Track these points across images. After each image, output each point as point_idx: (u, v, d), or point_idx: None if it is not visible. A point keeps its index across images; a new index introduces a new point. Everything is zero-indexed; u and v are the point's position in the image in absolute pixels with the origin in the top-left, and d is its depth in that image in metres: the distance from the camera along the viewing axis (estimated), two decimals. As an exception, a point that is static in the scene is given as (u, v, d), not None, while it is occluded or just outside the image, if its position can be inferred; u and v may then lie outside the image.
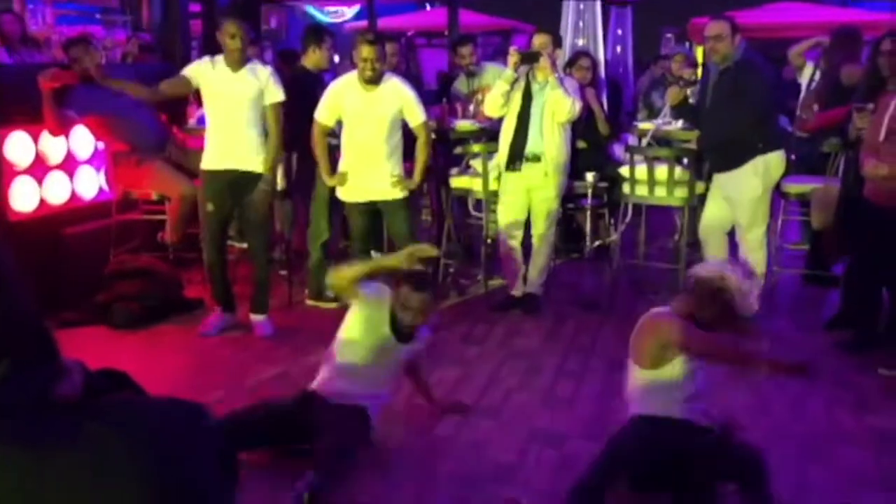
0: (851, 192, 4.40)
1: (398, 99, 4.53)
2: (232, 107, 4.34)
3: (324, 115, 4.61)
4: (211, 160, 4.42)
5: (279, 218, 5.67)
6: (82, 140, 5.15)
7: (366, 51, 4.41)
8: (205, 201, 4.43)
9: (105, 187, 5.33)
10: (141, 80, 4.64)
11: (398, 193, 4.63)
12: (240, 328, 4.63)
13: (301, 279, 5.24)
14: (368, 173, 4.60)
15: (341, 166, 4.70)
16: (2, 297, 0.90)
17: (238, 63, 4.31)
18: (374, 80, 4.46)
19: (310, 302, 5.11)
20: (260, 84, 4.35)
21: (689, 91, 5.20)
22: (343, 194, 4.73)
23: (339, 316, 4.91)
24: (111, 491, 0.86)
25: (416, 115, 4.57)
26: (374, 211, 4.79)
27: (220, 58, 4.35)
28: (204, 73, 4.34)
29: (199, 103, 5.00)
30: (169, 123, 5.61)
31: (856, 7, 15.25)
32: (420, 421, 3.53)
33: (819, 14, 13.05)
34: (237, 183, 4.40)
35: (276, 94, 4.40)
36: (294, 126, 4.66)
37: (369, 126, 4.54)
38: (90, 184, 5.24)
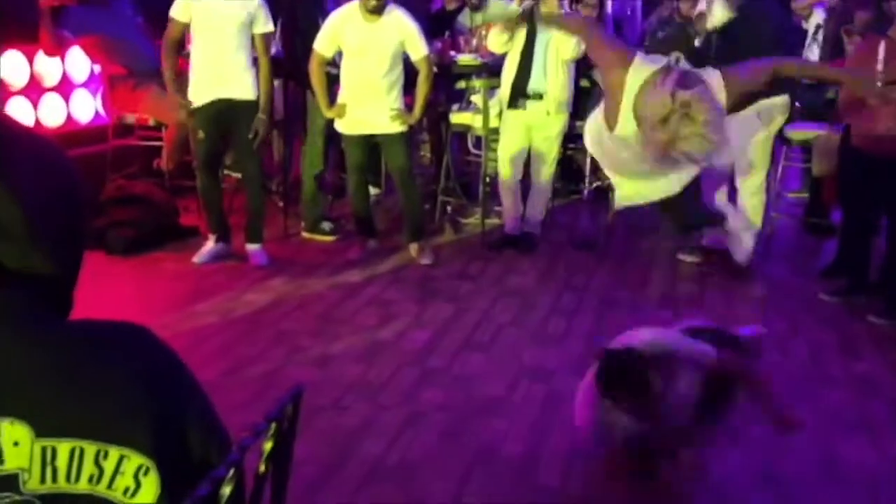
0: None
1: (400, 31, 4.44)
2: (219, 33, 4.25)
3: (323, 45, 4.53)
4: (198, 93, 4.35)
5: (277, 148, 5.63)
6: (78, 62, 5.08)
7: None
8: (195, 129, 4.38)
9: (101, 111, 5.28)
10: (134, 6, 4.53)
11: (397, 127, 4.58)
12: (235, 257, 4.64)
13: (297, 211, 5.23)
14: (368, 106, 4.54)
15: (340, 98, 4.64)
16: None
17: None
18: (377, 10, 4.37)
19: (305, 234, 5.11)
20: (249, 10, 4.27)
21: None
22: (341, 126, 4.68)
23: (332, 248, 4.97)
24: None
25: (419, 49, 4.49)
26: (371, 144, 4.75)
27: None
28: (190, 4, 4.23)
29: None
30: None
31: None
32: (411, 353, 3.57)
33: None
34: (228, 111, 4.34)
35: (265, 23, 4.33)
36: (291, 54, 4.59)
37: (370, 58, 4.46)
38: (86, 107, 5.19)
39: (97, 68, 5.16)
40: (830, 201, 5.13)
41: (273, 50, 4.72)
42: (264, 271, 4.50)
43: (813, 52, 5.77)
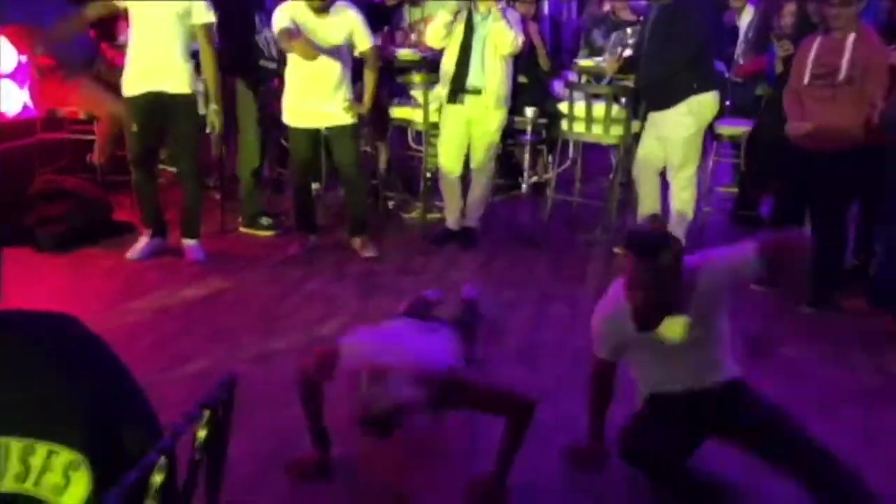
0: (771, 132, 4.51)
1: (348, 24, 4.46)
2: (155, 23, 4.16)
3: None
4: (132, 85, 4.26)
5: (214, 142, 5.54)
6: (4, 52, 4.91)
7: None
8: (129, 121, 4.29)
9: (30, 104, 5.11)
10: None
11: (347, 119, 4.57)
12: (171, 253, 4.55)
13: (235, 206, 5.16)
14: (318, 99, 4.53)
15: (288, 92, 4.60)
16: None
17: None
18: (323, 9, 4.38)
19: (243, 229, 5.04)
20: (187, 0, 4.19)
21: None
22: (289, 119, 4.64)
23: (271, 244, 4.92)
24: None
25: (365, 40, 4.52)
26: (317, 139, 4.72)
27: None
28: None
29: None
30: (97, 40, 5.38)
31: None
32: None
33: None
34: (162, 104, 4.25)
35: (205, 13, 4.25)
36: (228, 47, 4.52)
37: (319, 52, 4.44)
38: (13, 99, 5.02)
39: (24, 59, 5.00)
40: (755, 193, 5.31)
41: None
42: (201, 267, 4.43)
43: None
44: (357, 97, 4.65)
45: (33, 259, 4.37)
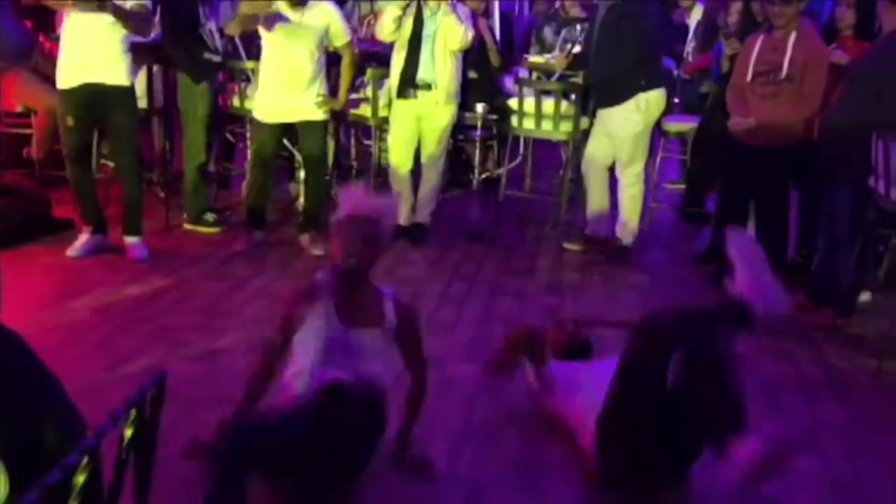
0: (716, 128, 4.59)
1: (326, 18, 4.44)
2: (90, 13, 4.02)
3: (234, 26, 4.47)
4: (65, 77, 4.12)
5: (157, 136, 5.42)
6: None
7: None
8: (64, 115, 4.15)
9: (-38, 97, 4.94)
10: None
11: (319, 114, 4.53)
12: (112, 251, 4.43)
13: (180, 202, 5.04)
14: (292, 94, 4.47)
15: (262, 87, 4.55)
16: None
17: None
18: (300, 2, 4.33)
19: (188, 226, 4.93)
20: None
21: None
22: (259, 114, 4.57)
23: (216, 240, 4.82)
24: None
25: (342, 35, 4.52)
26: (283, 134, 4.69)
27: None
28: None
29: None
30: (35, 31, 5.21)
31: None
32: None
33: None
34: (98, 97, 4.13)
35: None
36: (172, 40, 4.42)
37: (297, 47, 4.39)
38: (-56, 92, 4.84)
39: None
40: (700, 189, 5.39)
41: (153, 34, 4.53)
42: (144, 264, 4.32)
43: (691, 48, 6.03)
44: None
45: (-33, 257, 4.20)
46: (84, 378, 2.93)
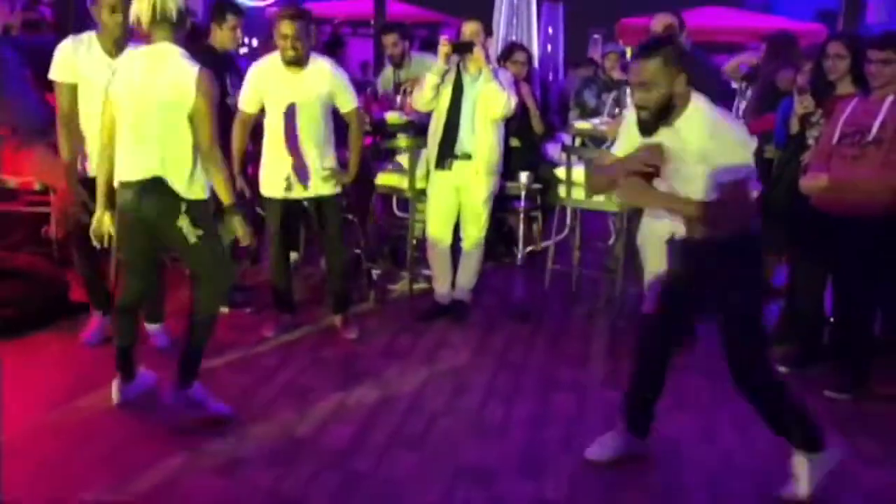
0: (783, 196, 4.21)
1: (327, 82, 4.07)
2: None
3: (246, 101, 4.14)
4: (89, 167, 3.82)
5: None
6: (-48, 120, 4.53)
7: (286, 27, 3.94)
8: (84, 205, 3.83)
9: (-21, 174, 4.72)
10: (21, 56, 4.05)
11: (330, 189, 4.19)
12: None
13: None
14: (295, 166, 4.13)
15: (265, 160, 4.23)
16: None
17: (117, 45, 3.65)
18: (297, 60, 3.99)
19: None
20: None
21: None
22: (264, 189, 4.26)
23: (244, 324, 4.49)
24: None
25: (348, 101, 4.14)
26: (295, 209, 4.36)
27: (91, 36, 3.73)
28: (71, 64, 3.70)
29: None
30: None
31: (778, 15, 15.50)
32: (332, 454, 3.11)
33: (744, 20, 13.18)
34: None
35: None
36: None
37: (296, 113, 4.07)
38: (-39, 170, 4.63)
39: (-25, 126, 4.62)
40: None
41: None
42: (164, 355, 3.97)
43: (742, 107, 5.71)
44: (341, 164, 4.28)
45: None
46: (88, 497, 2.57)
